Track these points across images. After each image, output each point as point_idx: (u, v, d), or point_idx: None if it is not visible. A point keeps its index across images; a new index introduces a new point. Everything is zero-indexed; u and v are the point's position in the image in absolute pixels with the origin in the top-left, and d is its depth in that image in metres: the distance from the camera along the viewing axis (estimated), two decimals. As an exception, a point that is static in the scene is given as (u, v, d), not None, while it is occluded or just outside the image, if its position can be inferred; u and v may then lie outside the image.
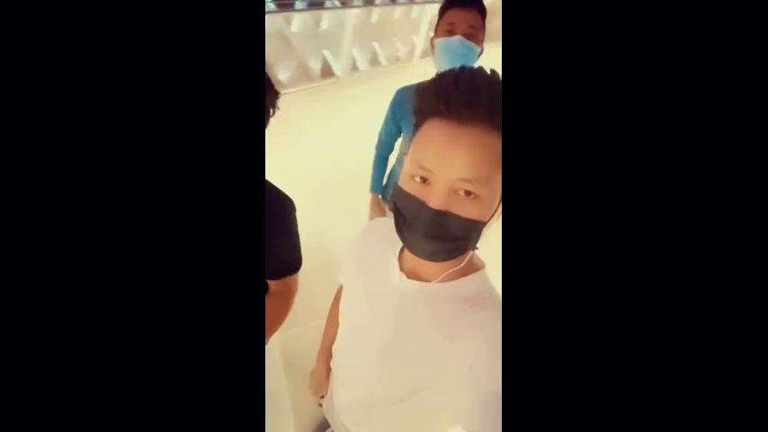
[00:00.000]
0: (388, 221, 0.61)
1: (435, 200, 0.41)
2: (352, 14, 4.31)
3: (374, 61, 5.03)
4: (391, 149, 1.42)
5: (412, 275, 0.52)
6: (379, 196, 1.49)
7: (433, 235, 0.42)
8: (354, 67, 4.72)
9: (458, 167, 0.40)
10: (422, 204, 0.42)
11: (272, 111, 0.73)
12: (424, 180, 0.42)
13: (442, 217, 0.41)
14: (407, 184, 0.43)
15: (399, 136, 1.34)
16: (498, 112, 0.38)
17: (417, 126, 0.44)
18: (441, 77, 0.41)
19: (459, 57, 1.07)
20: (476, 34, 1.09)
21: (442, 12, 1.13)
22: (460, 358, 0.46)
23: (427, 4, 5.59)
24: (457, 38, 1.06)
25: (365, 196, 1.51)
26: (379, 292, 0.55)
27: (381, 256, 0.57)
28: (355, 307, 0.61)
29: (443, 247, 0.43)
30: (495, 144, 0.40)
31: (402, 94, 1.29)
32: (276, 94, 0.73)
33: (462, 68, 0.40)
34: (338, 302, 0.75)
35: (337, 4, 4.28)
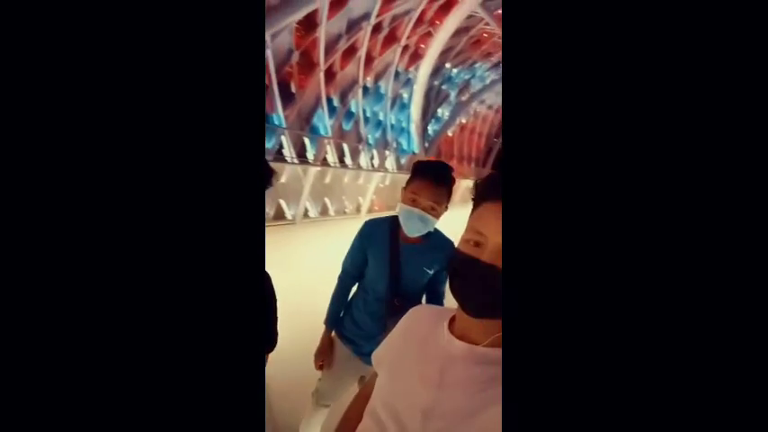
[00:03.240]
0: (430, 307, 0.72)
1: (487, 256, 0.54)
2: (310, 172, 4.96)
3: (324, 212, 5.57)
4: (356, 279, 1.40)
5: (461, 338, 0.59)
6: (333, 333, 1.41)
7: (484, 285, 0.54)
8: (306, 215, 5.17)
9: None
10: (476, 260, 0.55)
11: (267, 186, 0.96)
12: (477, 244, 0.57)
13: (492, 270, 0.53)
14: (464, 246, 0.57)
15: (365, 265, 1.34)
16: None
17: (474, 208, 0.61)
18: (489, 178, 0.61)
19: (416, 227, 1.18)
20: (436, 209, 1.17)
21: (413, 174, 1.19)
22: (494, 421, 0.50)
23: (372, 173, 6.59)
24: (417, 213, 1.16)
25: (314, 332, 1.45)
26: (427, 355, 0.61)
27: (429, 327, 0.65)
28: (399, 376, 0.64)
29: (492, 299, 0.54)
30: None
31: (371, 226, 1.34)
32: (272, 172, 0.99)
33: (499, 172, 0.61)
34: (362, 397, 0.76)
35: (296, 161, 4.96)
